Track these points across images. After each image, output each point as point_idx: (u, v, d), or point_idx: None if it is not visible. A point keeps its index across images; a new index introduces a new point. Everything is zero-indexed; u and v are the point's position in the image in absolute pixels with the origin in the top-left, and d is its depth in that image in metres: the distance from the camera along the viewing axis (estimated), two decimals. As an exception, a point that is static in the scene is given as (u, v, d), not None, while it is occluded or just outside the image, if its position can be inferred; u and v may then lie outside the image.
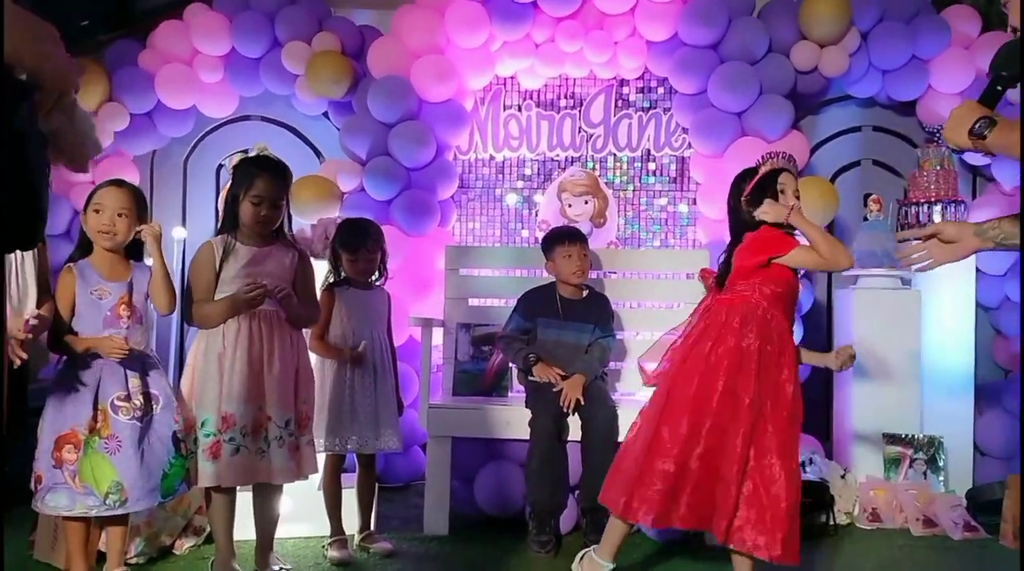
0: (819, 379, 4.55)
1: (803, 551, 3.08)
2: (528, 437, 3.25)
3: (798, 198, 2.62)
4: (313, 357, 3.03)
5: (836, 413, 4.38)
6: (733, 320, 2.54)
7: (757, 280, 2.56)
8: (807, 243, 2.57)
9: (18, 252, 2.34)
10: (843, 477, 3.76)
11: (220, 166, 4.78)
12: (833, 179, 4.60)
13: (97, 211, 2.51)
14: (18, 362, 2.23)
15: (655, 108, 4.64)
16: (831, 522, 3.57)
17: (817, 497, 3.58)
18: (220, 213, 3.01)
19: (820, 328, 4.59)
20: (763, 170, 2.63)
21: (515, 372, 3.63)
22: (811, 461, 3.73)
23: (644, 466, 2.53)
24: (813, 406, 4.48)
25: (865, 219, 4.21)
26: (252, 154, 2.85)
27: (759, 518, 2.46)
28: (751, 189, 2.63)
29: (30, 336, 2.20)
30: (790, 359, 2.57)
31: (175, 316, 4.22)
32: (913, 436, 3.91)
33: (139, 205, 2.57)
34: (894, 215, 4.34)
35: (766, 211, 2.58)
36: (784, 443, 2.50)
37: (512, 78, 4.66)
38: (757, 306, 2.54)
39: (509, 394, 3.75)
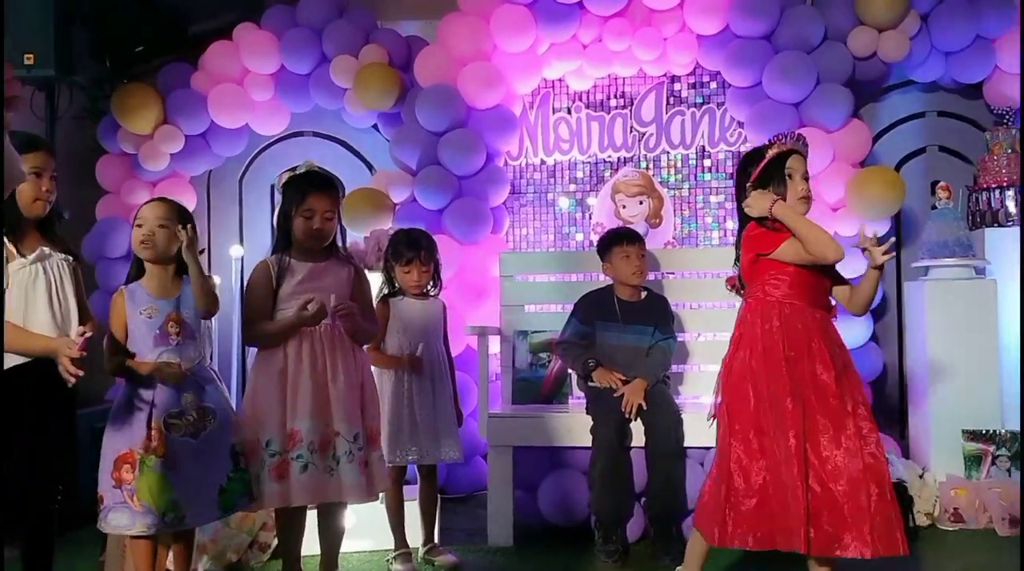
0: (892, 376, 4.40)
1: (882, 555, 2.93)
2: (590, 444, 3.19)
3: (807, 181, 2.47)
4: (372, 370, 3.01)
5: (912, 410, 4.21)
6: (756, 324, 2.44)
7: (762, 278, 2.45)
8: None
9: (55, 273, 2.35)
10: (921, 476, 3.62)
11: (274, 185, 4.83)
12: (898, 168, 4.45)
13: (139, 226, 2.52)
14: (72, 380, 2.24)
15: (708, 103, 4.55)
16: (910, 524, 3.43)
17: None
18: (274, 231, 3.02)
19: (891, 323, 4.43)
20: (770, 154, 2.46)
21: (575, 378, 3.57)
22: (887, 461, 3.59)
23: (727, 490, 2.41)
24: (887, 404, 4.40)
25: (934, 207, 4.06)
26: (300, 171, 2.85)
27: (837, 517, 2.31)
28: (757, 175, 2.47)
29: (84, 352, 2.21)
30: (823, 345, 2.41)
31: (235, 335, 4.29)
32: (994, 432, 3.74)
33: (180, 217, 2.55)
34: (964, 202, 4.18)
35: (749, 205, 2.45)
36: (841, 432, 2.34)
37: (560, 80, 4.60)
38: (771, 304, 2.42)
39: (569, 401, 3.69)
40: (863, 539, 2.28)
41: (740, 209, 2.54)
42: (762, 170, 2.46)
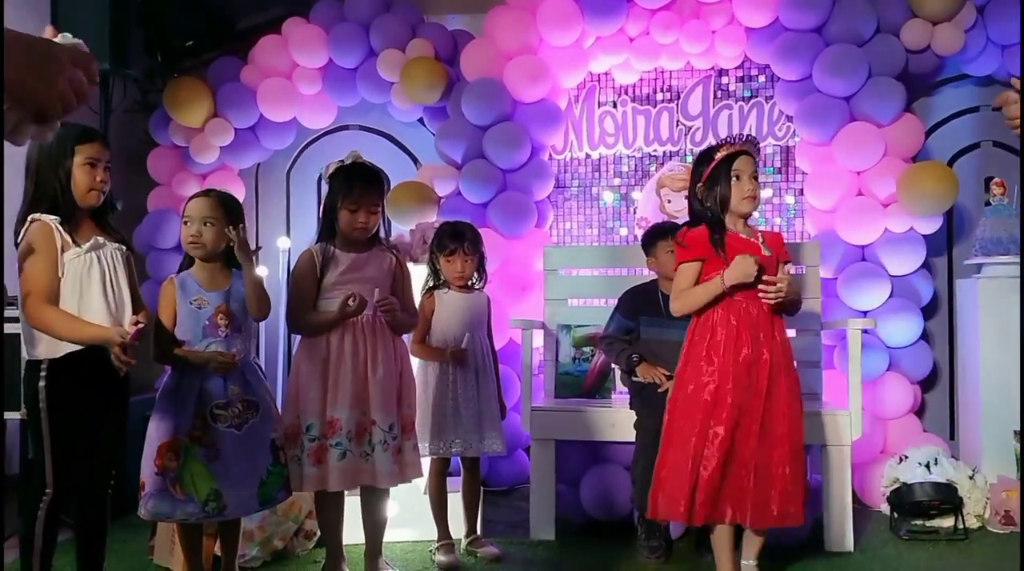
0: (943, 376, 4.32)
1: (934, 557, 2.95)
2: (634, 440, 3.17)
3: (755, 181, 2.60)
4: (415, 361, 3.03)
5: (961, 411, 4.13)
6: (710, 315, 2.64)
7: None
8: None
9: (109, 262, 2.41)
10: (971, 478, 3.54)
11: (321, 175, 4.87)
12: (951, 163, 4.35)
13: (186, 223, 2.56)
14: (124, 369, 2.29)
15: (756, 97, 4.49)
16: (961, 526, 3.37)
17: (945, 499, 3.39)
18: (320, 221, 3.05)
19: (942, 321, 4.34)
20: (718, 156, 2.61)
21: (618, 373, 3.56)
22: (936, 462, 3.52)
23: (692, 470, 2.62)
24: (937, 404, 4.32)
25: (988, 204, 3.96)
26: (347, 162, 2.88)
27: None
28: (706, 176, 2.62)
29: (137, 341, 2.25)
30: (749, 335, 2.57)
31: (282, 325, 4.34)
32: (1049, 433, 3.65)
33: (228, 211, 2.57)
34: (1019, 198, 4.07)
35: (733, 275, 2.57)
36: (769, 415, 2.57)
37: (606, 74, 4.58)
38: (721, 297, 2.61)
39: (613, 396, 3.67)
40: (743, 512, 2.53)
41: (691, 206, 2.73)
42: (711, 171, 2.62)
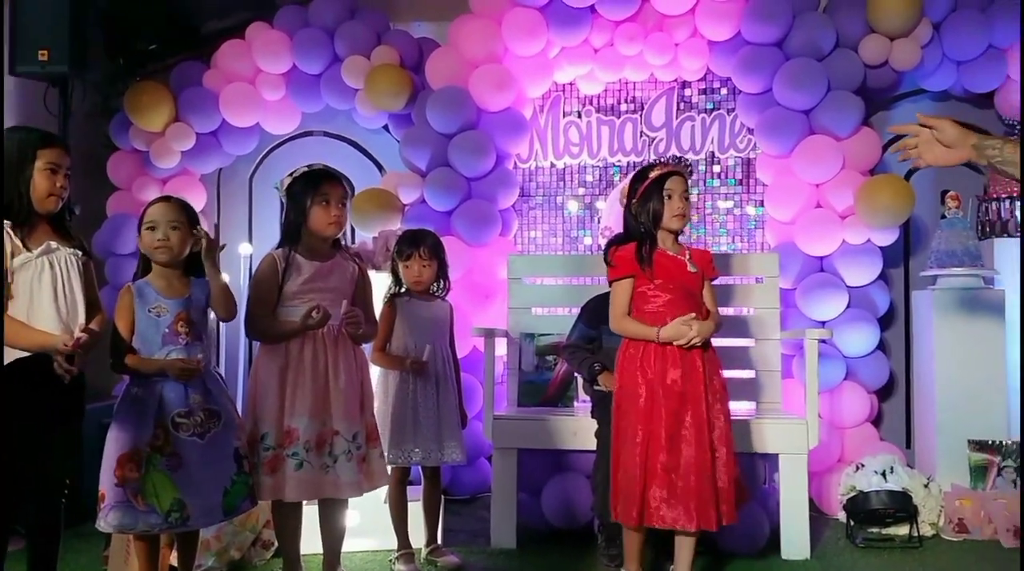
0: (899, 385, 4.39)
1: (889, 564, 2.99)
2: (595, 448, 3.18)
3: (686, 201, 2.74)
4: (375, 370, 3.02)
5: (917, 420, 4.20)
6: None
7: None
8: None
9: (62, 267, 2.37)
10: (926, 486, 3.60)
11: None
12: (908, 176, 4.43)
13: (152, 228, 2.52)
14: (67, 377, 2.25)
15: (718, 109, 4.54)
16: (915, 533, 3.42)
17: (901, 507, 3.45)
18: (282, 228, 3.03)
19: (898, 332, 4.41)
20: (651, 175, 2.74)
21: (580, 382, 3.57)
22: (892, 470, 3.58)
23: (642, 475, 2.69)
24: (893, 413, 4.39)
25: (943, 217, 4.04)
26: (303, 169, 2.87)
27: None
28: (640, 193, 2.75)
29: (79, 350, 2.21)
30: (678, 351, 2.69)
31: (242, 332, 4.30)
32: (1000, 442, 3.72)
33: (190, 217, 2.57)
34: (973, 212, 4.17)
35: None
36: (694, 423, 2.65)
37: (571, 84, 4.61)
38: (645, 313, 2.74)
39: (575, 404, 3.69)
40: (689, 514, 2.59)
41: (625, 221, 2.84)
42: (645, 189, 2.74)
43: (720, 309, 3.92)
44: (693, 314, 2.68)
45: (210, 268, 2.54)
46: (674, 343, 2.67)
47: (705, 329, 2.69)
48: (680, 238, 2.84)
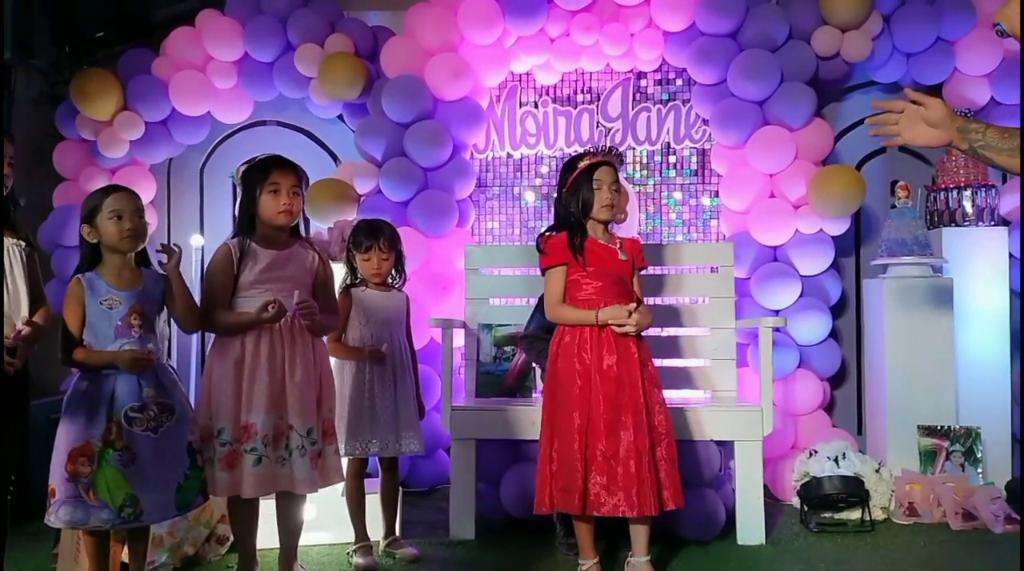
0: (850, 372, 4.46)
1: (842, 548, 3.03)
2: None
3: (616, 191, 2.76)
4: (332, 361, 2.98)
5: (868, 406, 4.28)
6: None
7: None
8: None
9: (4, 260, 2.32)
10: (878, 471, 3.67)
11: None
12: (859, 167, 4.50)
13: (119, 217, 2.47)
14: (11, 371, 2.20)
15: (674, 100, 4.57)
16: (867, 517, 3.48)
17: (853, 492, 3.51)
18: (235, 218, 2.98)
19: (849, 320, 4.49)
20: (580, 165, 2.78)
21: (538, 372, 3.57)
22: (844, 456, 3.64)
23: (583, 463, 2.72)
24: (845, 400, 4.46)
25: (893, 207, 4.11)
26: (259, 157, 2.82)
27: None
28: (569, 184, 2.78)
29: (20, 343, 2.16)
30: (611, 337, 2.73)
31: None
32: (949, 427, 3.81)
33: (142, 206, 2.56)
34: (922, 202, 4.24)
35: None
36: (629, 411, 2.67)
37: (528, 74, 4.60)
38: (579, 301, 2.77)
39: (533, 394, 3.68)
40: (630, 501, 2.60)
41: (556, 210, 2.87)
42: (575, 178, 2.77)
43: (676, 298, 4.00)
44: (634, 305, 2.71)
45: (176, 280, 2.51)
46: (612, 325, 2.70)
47: (644, 321, 2.73)
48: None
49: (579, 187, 2.77)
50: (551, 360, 2.80)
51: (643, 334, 2.81)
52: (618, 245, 2.82)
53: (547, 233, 2.85)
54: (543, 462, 2.74)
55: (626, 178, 4.54)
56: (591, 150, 2.90)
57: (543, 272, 2.84)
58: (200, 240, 4.46)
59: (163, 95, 4.42)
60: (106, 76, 4.39)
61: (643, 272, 3.00)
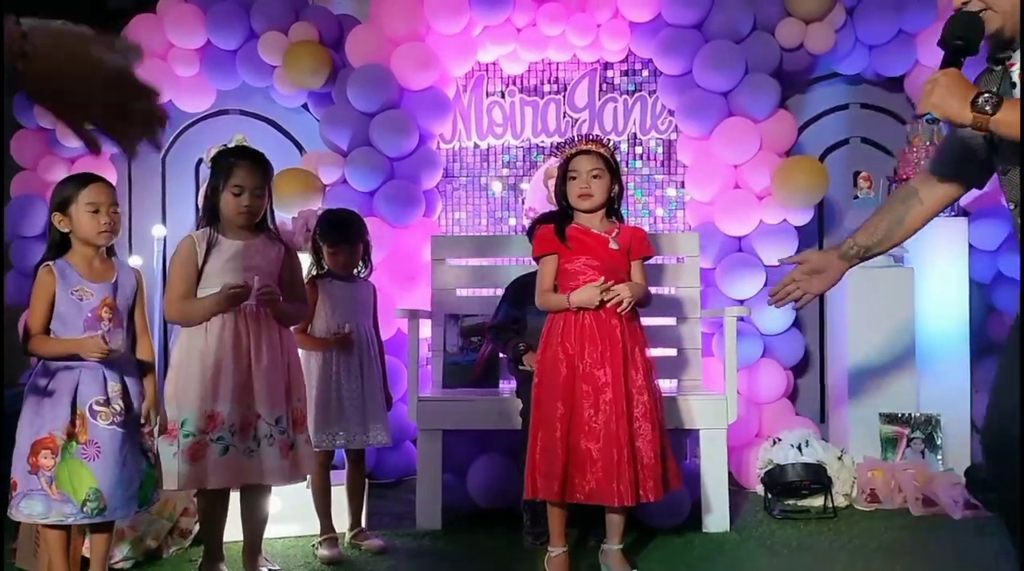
0: (813, 361, 4.51)
1: (805, 534, 3.06)
2: (520, 428, 3.19)
3: (597, 178, 2.75)
4: (300, 353, 2.95)
5: (831, 394, 4.33)
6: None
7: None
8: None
9: None
10: (840, 459, 3.72)
11: (200, 162, 4.70)
12: (822, 158, 4.55)
13: (96, 211, 2.42)
14: None
15: (640, 91, 4.58)
16: (830, 504, 3.53)
17: (816, 479, 3.55)
18: (200, 208, 2.95)
19: (812, 309, 4.53)
20: (562, 155, 2.83)
21: (505, 362, 3.57)
22: (807, 444, 3.69)
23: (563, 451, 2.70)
24: (808, 388, 4.52)
25: (856, 197, 4.16)
26: (231, 145, 2.78)
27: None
28: (559, 173, 2.83)
29: None
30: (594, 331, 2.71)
31: (158, 316, 4.18)
32: (910, 415, 3.87)
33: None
34: (884, 192, 4.29)
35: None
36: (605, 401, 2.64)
37: (494, 64, 4.58)
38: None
39: (500, 384, 3.69)
40: (610, 489, 2.58)
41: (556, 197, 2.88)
42: (561, 169, 2.81)
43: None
44: (603, 278, 2.68)
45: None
46: (610, 305, 2.67)
47: (628, 292, 2.68)
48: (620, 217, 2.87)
49: (563, 177, 2.80)
50: (540, 346, 2.78)
51: (640, 320, 2.80)
52: (613, 234, 2.78)
53: (538, 222, 2.86)
54: (531, 449, 2.72)
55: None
56: (567, 141, 2.92)
57: (536, 260, 2.84)
58: (162, 230, 4.41)
59: (123, 83, 4.33)
60: (64, 63, 4.29)
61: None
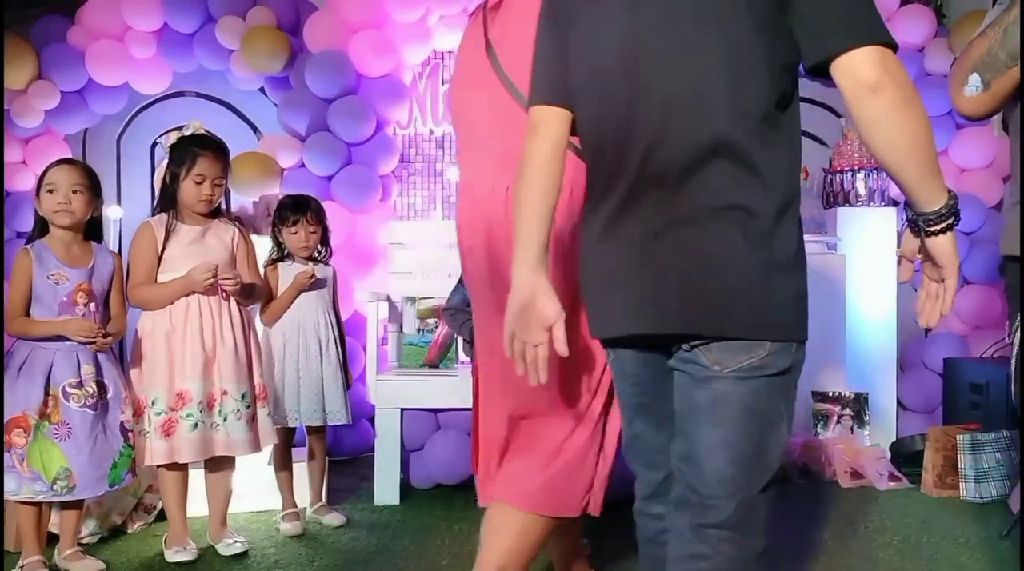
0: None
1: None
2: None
3: None
4: (260, 332, 3.06)
5: (769, 374, 4.54)
6: None
7: None
8: None
9: None
10: (776, 435, 3.91)
11: (155, 143, 4.72)
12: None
13: (51, 191, 2.49)
14: None
15: (591, 81, 4.70)
16: (765, 478, 3.73)
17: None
18: (157, 192, 3.02)
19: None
20: None
21: (461, 343, 3.70)
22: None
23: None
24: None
25: (793, 187, 4.35)
26: (188, 133, 2.86)
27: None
28: None
29: None
30: None
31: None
32: (840, 393, 4.10)
33: (92, 182, 2.58)
34: (820, 184, 4.51)
35: None
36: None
37: (450, 52, 4.68)
38: None
39: (456, 365, 3.82)
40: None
41: None
42: None
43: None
44: None
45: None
46: None
47: None
48: None
49: None
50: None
51: None
52: None
53: None
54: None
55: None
56: None
57: None
58: (118, 211, 4.43)
59: (79, 64, 4.34)
60: (19, 43, 4.28)
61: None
